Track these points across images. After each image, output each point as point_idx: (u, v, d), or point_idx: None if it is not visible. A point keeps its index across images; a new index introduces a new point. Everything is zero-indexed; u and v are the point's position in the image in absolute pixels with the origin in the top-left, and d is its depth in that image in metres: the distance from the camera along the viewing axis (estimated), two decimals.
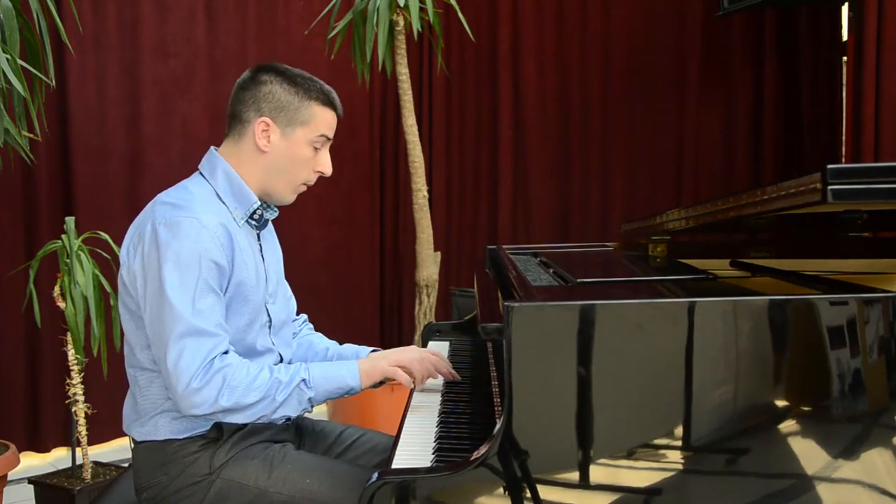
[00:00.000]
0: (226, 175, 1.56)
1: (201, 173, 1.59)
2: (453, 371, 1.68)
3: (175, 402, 1.44)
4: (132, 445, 1.55)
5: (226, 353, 1.44)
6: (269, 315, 1.61)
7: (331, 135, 1.62)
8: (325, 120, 1.59)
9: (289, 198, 1.62)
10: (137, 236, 1.48)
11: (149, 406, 1.52)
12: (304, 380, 1.48)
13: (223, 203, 1.55)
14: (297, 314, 1.85)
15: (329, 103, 1.60)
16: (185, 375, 1.39)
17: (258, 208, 1.59)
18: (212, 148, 1.62)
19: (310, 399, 1.49)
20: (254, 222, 1.60)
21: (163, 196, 1.54)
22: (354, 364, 1.56)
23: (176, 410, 1.47)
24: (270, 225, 1.70)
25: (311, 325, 1.90)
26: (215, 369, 1.40)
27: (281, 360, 1.66)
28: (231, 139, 1.60)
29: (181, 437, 1.49)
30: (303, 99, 1.57)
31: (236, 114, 1.58)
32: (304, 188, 1.63)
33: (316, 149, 1.60)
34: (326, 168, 1.63)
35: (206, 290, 1.43)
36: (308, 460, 1.52)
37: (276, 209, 1.65)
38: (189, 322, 1.40)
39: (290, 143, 1.57)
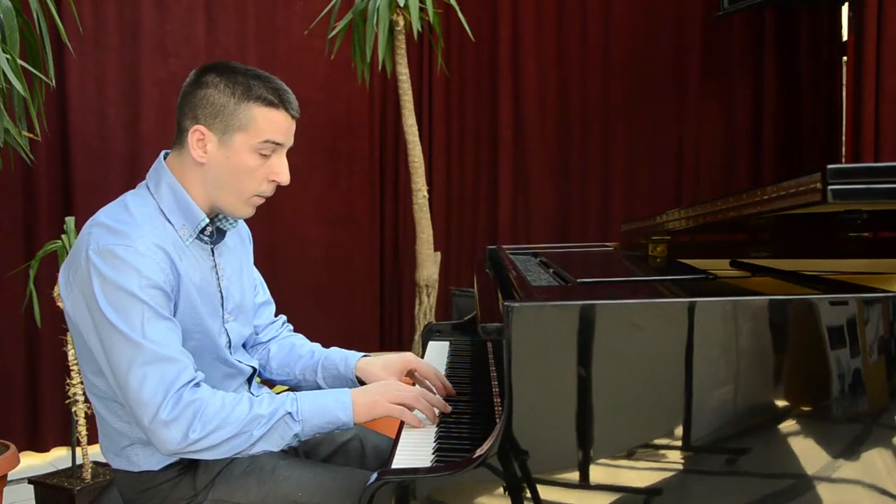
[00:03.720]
0: (170, 189, 1.42)
1: (147, 186, 1.46)
2: (445, 403, 1.53)
3: (147, 437, 1.32)
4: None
5: (197, 385, 1.33)
6: (227, 335, 1.52)
7: (281, 139, 1.42)
8: (270, 123, 1.40)
9: (243, 211, 1.46)
10: (74, 266, 1.36)
11: (116, 436, 1.43)
12: (289, 413, 1.34)
13: (168, 221, 1.42)
14: (277, 314, 1.77)
15: (275, 103, 1.40)
16: (152, 406, 1.27)
17: (207, 225, 1.45)
18: (161, 155, 1.48)
19: (296, 435, 1.35)
20: (206, 238, 1.47)
21: (101, 216, 1.40)
22: (346, 396, 1.40)
23: (145, 442, 1.39)
24: (236, 231, 1.59)
25: (290, 327, 1.80)
26: (186, 402, 1.28)
27: (254, 372, 1.60)
28: (175, 150, 1.46)
29: (157, 468, 1.41)
30: (241, 100, 1.38)
31: (178, 122, 1.44)
32: (260, 200, 1.46)
33: (264, 156, 1.41)
34: (282, 176, 1.44)
35: (156, 317, 1.32)
36: (299, 473, 1.43)
37: (235, 221, 1.52)
38: (145, 349, 1.29)
39: (229, 152, 1.40)
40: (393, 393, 1.44)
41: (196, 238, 1.45)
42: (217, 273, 1.51)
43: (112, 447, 1.45)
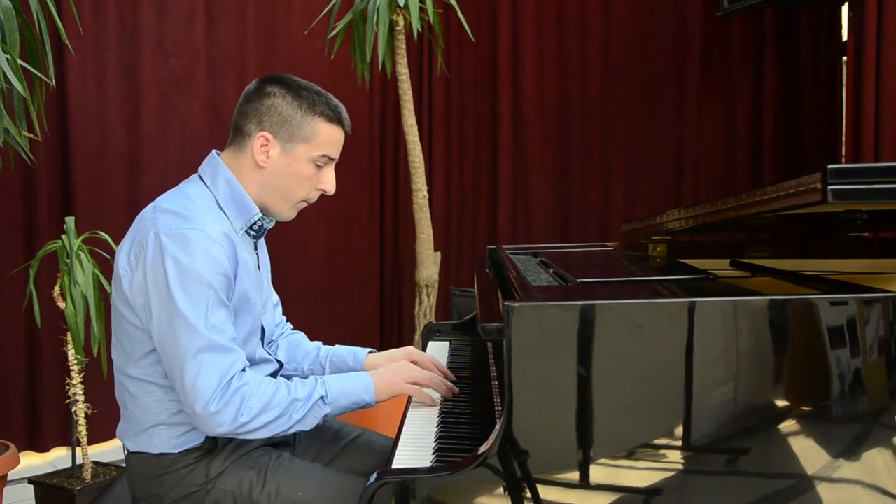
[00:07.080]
0: (228, 183, 1.51)
1: (202, 178, 1.54)
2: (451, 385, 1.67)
3: (193, 420, 1.40)
4: (126, 452, 1.52)
5: (243, 370, 1.40)
6: (262, 327, 1.59)
7: (335, 154, 1.56)
8: (329, 137, 1.53)
9: (286, 214, 1.57)
10: (139, 246, 1.42)
11: (141, 417, 1.48)
12: (321, 397, 1.45)
13: (223, 212, 1.50)
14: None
15: (335, 119, 1.53)
16: (203, 396, 1.35)
17: (259, 219, 1.54)
18: (213, 152, 1.57)
19: (326, 415, 1.47)
20: (253, 233, 1.56)
21: (163, 202, 1.47)
22: (368, 378, 1.53)
23: (170, 423, 1.45)
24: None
25: (290, 325, 1.87)
26: (233, 389, 1.37)
27: (280, 367, 1.65)
28: (231, 150, 1.55)
29: (176, 451, 1.46)
30: (306, 113, 1.50)
31: (238, 125, 1.53)
32: (304, 205, 1.58)
33: (318, 166, 1.54)
34: (329, 186, 1.58)
35: (219, 303, 1.40)
36: (302, 471, 1.49)
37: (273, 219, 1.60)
38: (205, 337, 1.36)
39: (290, 160, 1.51)
40: (408, 373, 1.58)
41: (245, 232, 1.54)
42: (259, 266, 1.60)
43: (133, 428, 1.49)
